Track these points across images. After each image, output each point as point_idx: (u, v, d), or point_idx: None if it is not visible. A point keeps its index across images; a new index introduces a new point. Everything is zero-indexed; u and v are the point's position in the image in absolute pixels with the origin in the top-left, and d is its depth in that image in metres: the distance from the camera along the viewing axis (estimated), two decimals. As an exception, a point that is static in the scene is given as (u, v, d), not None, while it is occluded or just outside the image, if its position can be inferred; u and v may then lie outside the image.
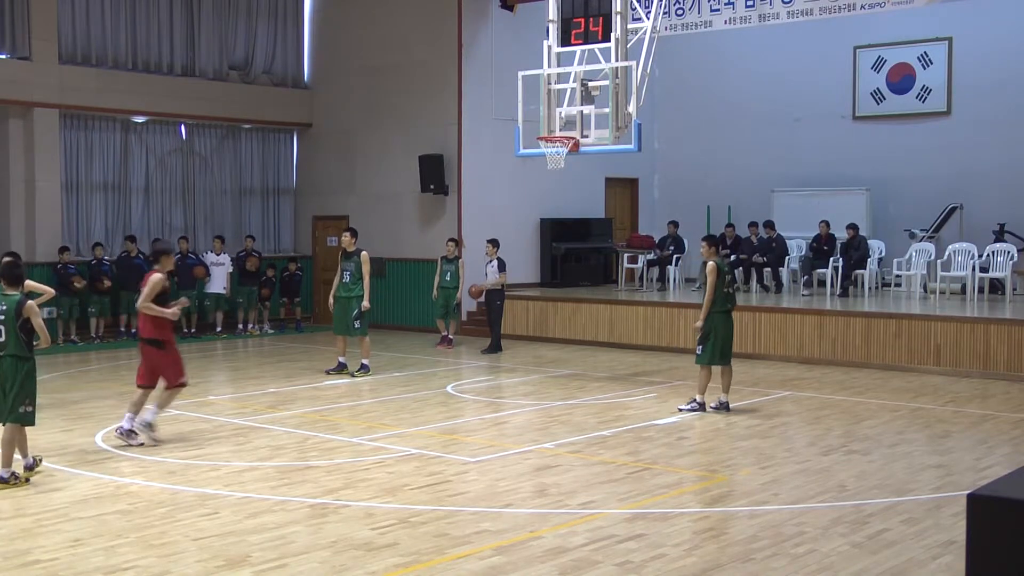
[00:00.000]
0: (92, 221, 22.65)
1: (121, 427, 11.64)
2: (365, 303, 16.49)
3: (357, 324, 16.61)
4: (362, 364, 16.81)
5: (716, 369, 13.55)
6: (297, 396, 15.02)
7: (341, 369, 16.81)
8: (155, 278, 11.70)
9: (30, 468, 10.07)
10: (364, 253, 16.71)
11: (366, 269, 16.56)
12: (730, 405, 13.56)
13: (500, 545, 8.05)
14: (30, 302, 9.75)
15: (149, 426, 11.63)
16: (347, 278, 16.69)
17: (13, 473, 9.76)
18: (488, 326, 20.34)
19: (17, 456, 9.95)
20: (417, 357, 19.37)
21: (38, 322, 9.74)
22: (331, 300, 16.93)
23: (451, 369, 18.22)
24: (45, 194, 21.61)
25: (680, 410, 13.43)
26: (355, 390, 15.41)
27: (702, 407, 13.40)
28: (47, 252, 21.32)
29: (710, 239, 13.77)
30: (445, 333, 20.67)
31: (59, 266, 20.99)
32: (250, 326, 23.01)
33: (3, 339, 9.67)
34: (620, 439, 12.08)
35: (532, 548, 7.98)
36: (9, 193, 21.39)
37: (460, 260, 20.68)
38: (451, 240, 20.91)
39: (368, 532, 8.36)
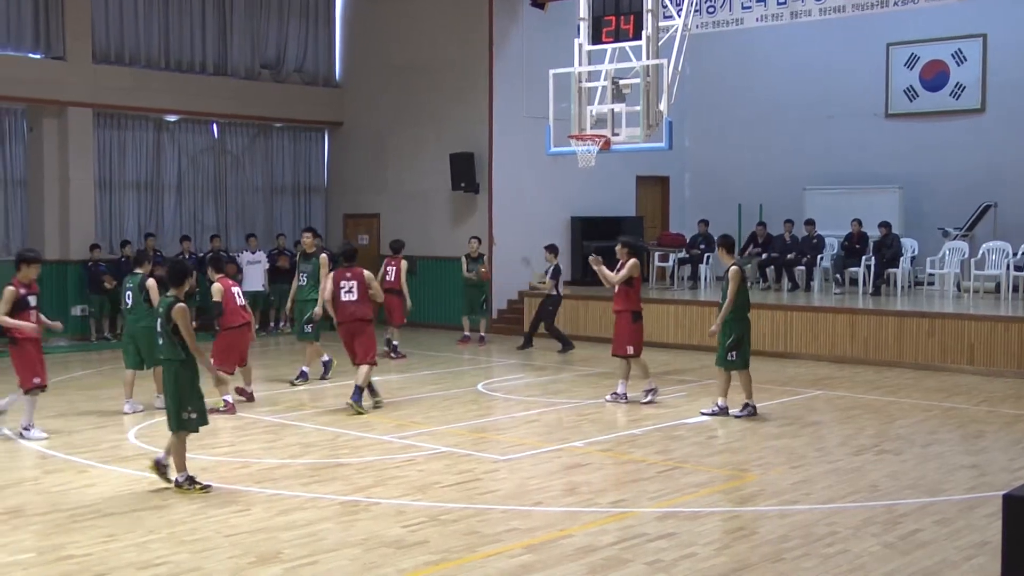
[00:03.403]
0: (125, 219, 22.83)
1: None
2: (317, 310, 15.24)
3: (308, 328, 15.66)
4: (301, 371, 15.89)
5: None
6: (327, 394, 15.06)
7: (326, 370, 16.14)
8: (6, 291, 11.72)
9: (158, 465, 9.65)
10: (323, 256, 15.92)
11: (324, 273, 15.47)
12: (730, 411, 13.30)
13: (530, 543, 8.05)
14: (179, 305, 9.43)
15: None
16: (304, 281, 15.91)
17: (189, 477, 9.53)
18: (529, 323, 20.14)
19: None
20: (448, 355, 19.40)
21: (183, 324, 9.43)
22: (289, 304, 16.45)
23: (482, 367, 18.24)
24: (79, 192, 21.79)
25: (738, 416, 13.02)
26: (385, 389, 15.41)
27: (754, 409, 13.13)
28: (80, 250, 21.51)
29: (728, 242, 13.49)
30: (467, 333, 20.69)
31: (90, 264, 21.17)
32: (282, 324, 23.06)
33: (161, 342, 9.54)
34: (650, 438, 12.06)
35: (562, 546, 7.98)
36: (43, 191, 21.58)
37: (484, 257, 20.73)
38: (474, 238, 20.96)
39: (399, 530, 8.38)
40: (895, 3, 17.26)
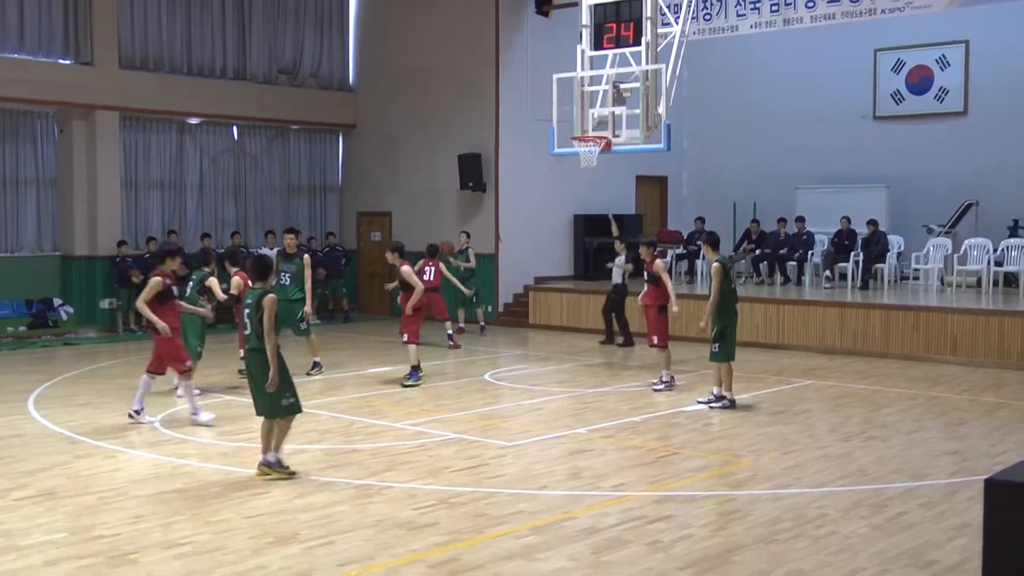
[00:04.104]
0: (150, 217, 22.87)
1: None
2: (308, 308, 15.54)
3: (304, 325, 15.58)
4: (315, 362, 15.85)
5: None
6: (343, 383, 15.09)
7: (317, 367, 15.92)
8: (153, 280, 12.02)
9: (268, 465, 9.55)
10: (307, 256, 15.84)
11: (308, 273, 15.57)
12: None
13: (535, 525, 8.07)
14: (270, 295, 9.45)
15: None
16: (285, 280, 15.61)
17: (279, 459, 9.50)
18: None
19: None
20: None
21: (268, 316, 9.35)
22: None
23: (489, 357, 18.25)
24: (106, 191, 21.82)
25: (712, 408, 12.91)
26: (398, 378, 15.43)
27: (733, 403, 12.99)
28: (108, 246, 21.57)
29: (713, 239, 13.39)
30: (461, 324, 20.65)
31: (117, 259, 21.21)
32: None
33: (249, 332, 9.48)
34: (650, 425, 12.07)
35: (566, 528, 8.00)
36: (73, 190, 21.62)
37: (470, 250, 20.74)
38: (463, 232, 21.05)
39: (410, 512, 8.40)
40: (882, 11, 17.22)
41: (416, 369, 14.89)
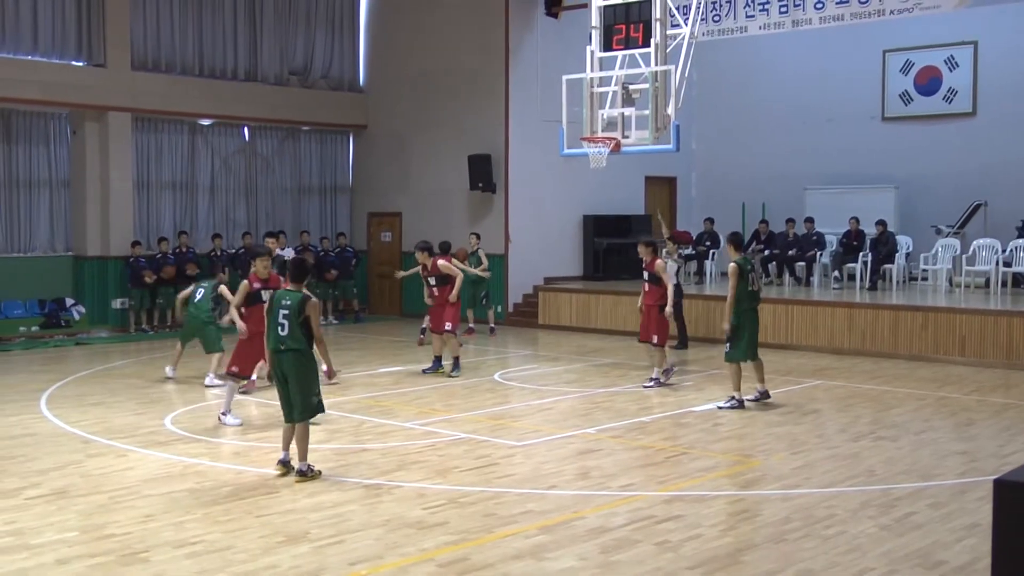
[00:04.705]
0: (162, 217, 22.91)
1: None
2: None
3: None
4: None
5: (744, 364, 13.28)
6: (353, 383, 15.08)
7: None
8: (242, 284, 12.37)
9: (285, 464, 9.58)
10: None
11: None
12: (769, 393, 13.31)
13: (545, 525, 8.06)
14: (313, 299, 9.45)
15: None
16: None
17: (310, 466, 9.44)
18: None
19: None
20: (465, 347, 19.38)
21: (315, 320, 9.35)
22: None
23: (499, 358, 18.24)
24: (118, 192, 21.86)
25: (720, 408, 12.82)
26: (408, 378, 15.44)
27: (742, 404, 12.88)
28: (120, 246, 21.60)
29: (736, 239, 13.33)
30: (471, 325, 20.62)
31: (131, 259, 21.24)
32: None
33: (285, 333, 9.42)
34: (659, 425, 12.05)
35: (575, 528, 7.98)
36: (86, 191, 21.66)
37: (481, 251, 20.76)
38: (472, 234, 21.05)
39: (420, 511, 8.39)
40: (891, 12, 17.16)
41: (457, 360, 15.57)
